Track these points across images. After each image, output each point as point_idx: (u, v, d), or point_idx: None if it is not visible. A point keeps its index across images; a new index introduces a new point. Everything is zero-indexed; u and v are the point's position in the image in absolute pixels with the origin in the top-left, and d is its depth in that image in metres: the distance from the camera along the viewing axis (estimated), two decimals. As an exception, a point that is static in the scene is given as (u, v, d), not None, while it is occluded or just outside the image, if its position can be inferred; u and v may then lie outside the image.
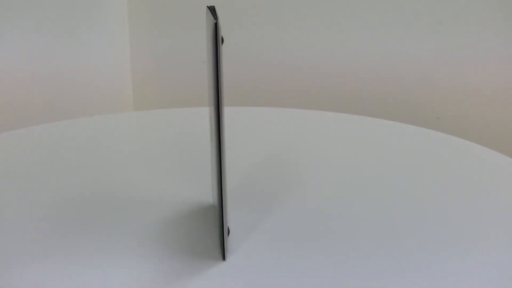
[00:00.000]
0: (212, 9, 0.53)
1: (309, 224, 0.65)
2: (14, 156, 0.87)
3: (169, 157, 0.86)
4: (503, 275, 0.57)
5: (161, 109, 1.14)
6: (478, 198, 0.72)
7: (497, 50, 1.32)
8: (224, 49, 0.51)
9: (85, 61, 1.51)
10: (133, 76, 1.64)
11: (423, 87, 1.39)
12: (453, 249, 0.60)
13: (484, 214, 0.68)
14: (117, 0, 1.58)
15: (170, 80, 1.62)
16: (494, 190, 0.75)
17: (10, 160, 0.85)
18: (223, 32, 0.51)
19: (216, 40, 0.50)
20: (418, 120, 1.37)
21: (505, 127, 1.35)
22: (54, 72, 1.44)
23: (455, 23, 1.32)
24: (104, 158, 0.86)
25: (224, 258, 0.58)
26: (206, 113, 0.69)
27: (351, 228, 0.64)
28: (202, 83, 1.02)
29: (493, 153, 0.86)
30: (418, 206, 0.70)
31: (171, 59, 1.60)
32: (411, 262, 0.58)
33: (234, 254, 0.59)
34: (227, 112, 0.58)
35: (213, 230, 0.63)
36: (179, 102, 1.60)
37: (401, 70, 1.39)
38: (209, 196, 0.70)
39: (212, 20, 0.51)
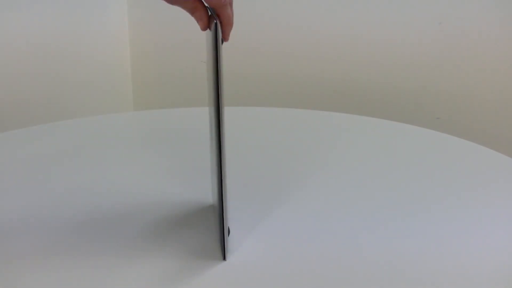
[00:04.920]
0: (212, 9, 0.53)
1: (309, 224, 0.65)
2: (14, 156, 0.87)
3: (169, 157, 0.85)
4: (502, 276, 0.57)
5: (161, 109, 1.14)
6: (478, 198, 0.72)
7: (497, 50, 1.32)
8: (224, 49, 0.51)
9: (85, 61, 1.51)
10: (133, 76, 1.64)
11: (423, 87, 1.39)
12: (452, 249, 0.60)
13: (484, 214, 0.68)
14: (117, 0, 1.58)
15: (170, 80, 1.62)
16: (494, 190, 0.75)
17: (10, 160, 0.85)
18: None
19: (216, 40, 0.50)
20: (418, 120, 1.37)
21: (505, 127, 1.35)
22: (54, 72, 1.44)
23: (455, 23, 1.32)
24: (104, 158, 0.86)
25: (224, 258, 0.58)
26: (206, 113, 0.69)
27: (351, 228, 0.64)
28: (202, 83, 1.02)
29: (493, 153, 0.86)
30: (418, 206, 0.70)
31: (171, 59, 1.60)
32: (411, 262, 0.58)
33: (234, 254, 0.59)
34: (227, 112, 0.58)
35: (213, 230, 0.63)
36: (179, 102, 1.60)
37: (401, 70, 1.39)
38: (209, 196, 0.70)
39: (212, 20, 0.51)
